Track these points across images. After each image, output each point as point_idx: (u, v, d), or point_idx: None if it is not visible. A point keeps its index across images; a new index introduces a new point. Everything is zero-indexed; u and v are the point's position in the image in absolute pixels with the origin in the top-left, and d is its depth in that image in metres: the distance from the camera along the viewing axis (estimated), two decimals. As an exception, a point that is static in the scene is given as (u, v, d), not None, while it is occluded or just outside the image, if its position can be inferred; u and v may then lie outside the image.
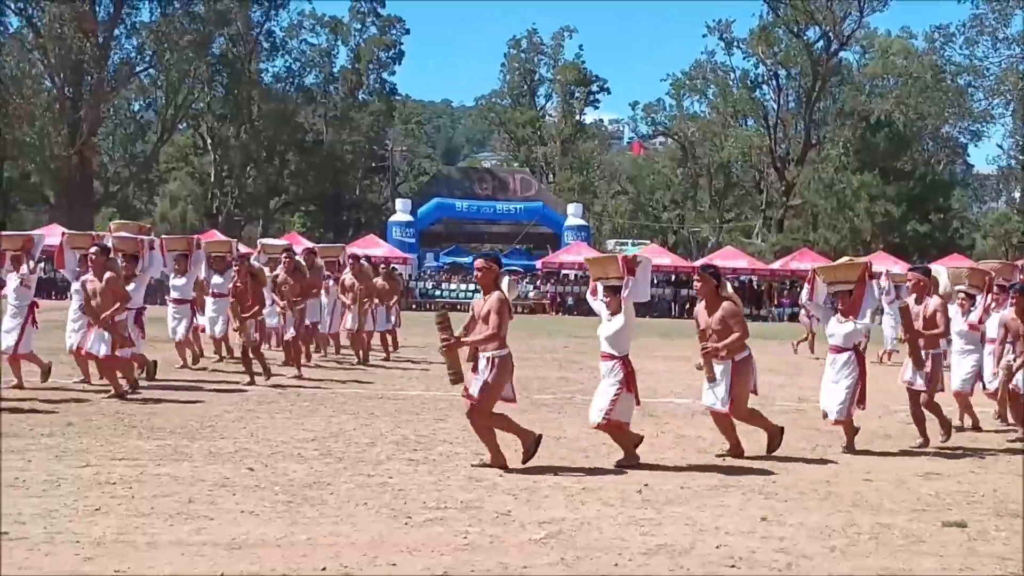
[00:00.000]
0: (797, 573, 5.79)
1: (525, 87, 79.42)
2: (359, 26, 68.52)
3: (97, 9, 52.77)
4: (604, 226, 76.72)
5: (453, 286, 43.38)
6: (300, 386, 13.61)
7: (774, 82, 64.87)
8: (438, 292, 43.17)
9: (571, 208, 51.96)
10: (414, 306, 40.89)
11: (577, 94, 77.18)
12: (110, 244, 13.00)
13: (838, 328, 9.77)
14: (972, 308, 11.65)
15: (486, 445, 8.53)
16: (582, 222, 51.87)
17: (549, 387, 14.26)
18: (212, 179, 62.29)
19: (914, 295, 10.47)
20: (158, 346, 15.88)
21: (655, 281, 43.80)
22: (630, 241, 64.63)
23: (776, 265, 44.40)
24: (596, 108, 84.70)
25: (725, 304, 9.05)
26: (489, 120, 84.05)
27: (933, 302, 10.34)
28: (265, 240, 21.14)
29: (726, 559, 6.00)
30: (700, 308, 9.27)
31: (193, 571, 5.45)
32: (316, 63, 67.13)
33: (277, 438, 9.51)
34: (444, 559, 5.83)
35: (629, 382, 8.71)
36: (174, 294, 15.31)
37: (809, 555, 6.15)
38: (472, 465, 8.51)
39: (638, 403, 8.91)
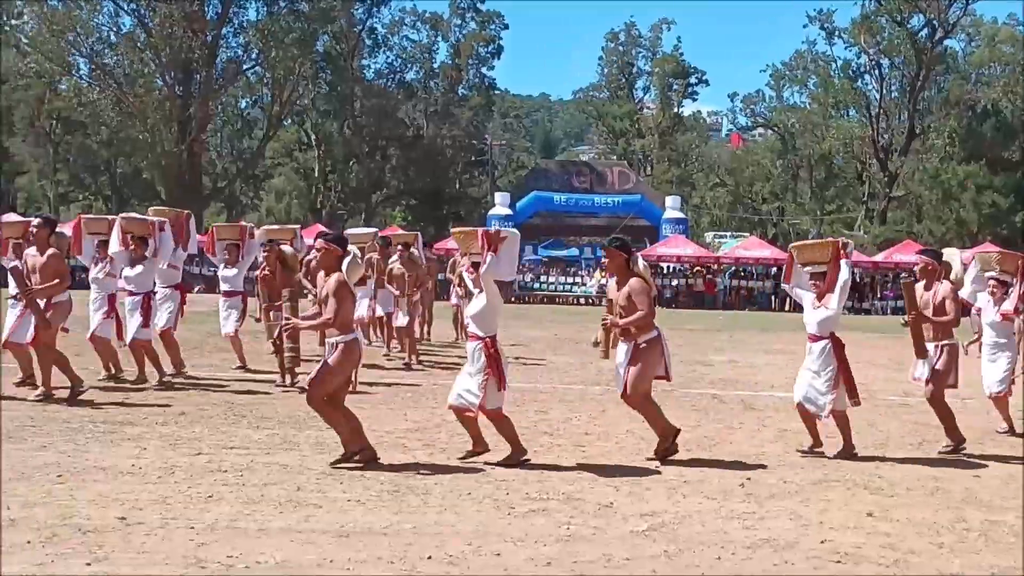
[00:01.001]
0: (905, 570, 5.70)
1: (623, 80, 79.05)
2: (459, 22, 68.93)
3: (206, 8, 54.12)
4: (703, 219, 76.00)
5: (552, 279, 43.45)
6: (399, 380, 13.79)
7: (876, 71, 63.38)
8: (537, 285, 43.29)
9: (669, 201, 51.57)
10: (513, 299, 41.06)
11: (675, 86, 76.53)
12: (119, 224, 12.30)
13: (811, 315, 8.97)
14: (1006, 296, 10.36)
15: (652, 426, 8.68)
16: (680, 215, 51.43)
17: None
18: (316, 174, 63.41)
19: (923, 280, 9.53)
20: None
21: (754, 274, 43.32)
22: (729, 233, 63.89)
23: (879, 257, 43.49)
24: (694, 100, 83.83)
25: (632, 280, 8.49)
26: (587, 113, 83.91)
27: (943, 288, 9.43)
28: (354, 231, 19.84)
29: (831, 554, 5.93)
30: (611, 284, 8.88)
31: (302, 558, 5.60)
32: (417, 59, 67.79)
33: (381, 428, 9.67)
34: (547, 550, 5.88)
35: (493, 365, 8.17)
36: (224, 286, 14.36)
37: (917, 551, 6.05)
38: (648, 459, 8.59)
39: (502, 387, 8.23)
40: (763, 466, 8.47)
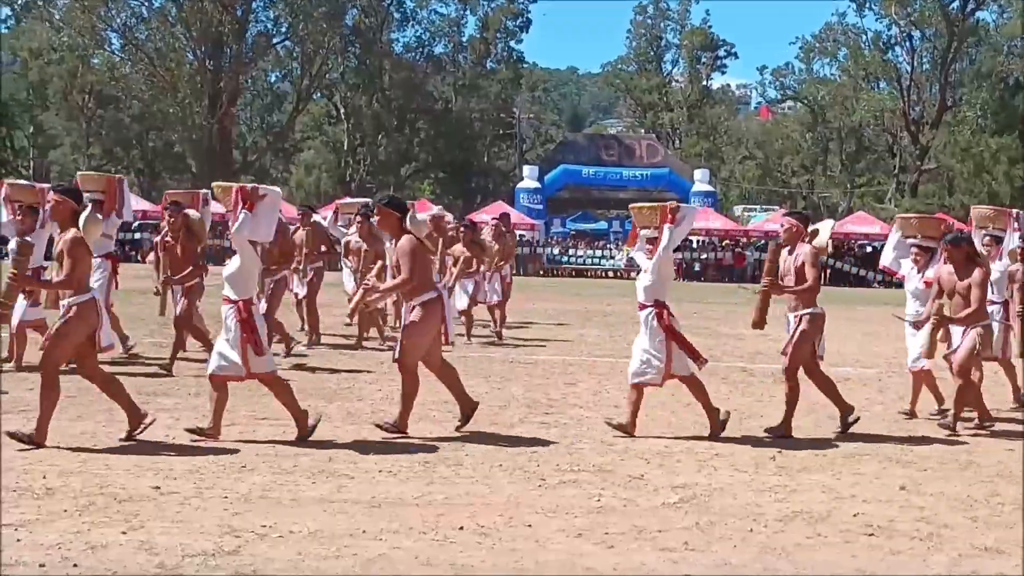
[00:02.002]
0: (939, 544, 5.67)
1: (651, 53, 78.46)
2: (487, -6, 68.63)
3: (236, -17, 54.24)
4: (731, 192, 75.53)
5: (580, 252, 43.40)
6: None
7: (907, 43, 62.60)
8: (565, 258, 43.26)
9: (698, 174, 51.35)
10: (542, 272, 41.07)
11: (704, 59, 76.00)
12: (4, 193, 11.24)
13: (639, 280, 8.58)
14: (929, 264, 9.64)
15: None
16: (709, 188, 51.20)
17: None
18: (345, 147, 63.48)
19: (788, 245, 8.86)
20: None
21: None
22: (758, 207, 63.53)
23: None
24: (723, 73, 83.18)
25: (402, 241, 8.11)
26: (615, 87, 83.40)
27: (804, 251, 8.64)
28: (344, 200, 18.40)
29: (864, 527, 5.91)
30: (389, 246, 8.73)
31: (335, 527, 5.64)
32: (445, 32, 67.58)
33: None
34: (578, 521, 5.90)
35: (248, 330, 7.74)
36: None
37: (951, 525, 6.02)
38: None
39: (261, 351, 7.82)
40: (794, 439, 8.44)
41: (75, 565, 4.92)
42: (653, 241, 8.51)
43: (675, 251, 9.27)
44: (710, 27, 75.78)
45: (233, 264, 7.92)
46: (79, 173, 12.03)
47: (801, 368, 8.70)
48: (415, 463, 7.21)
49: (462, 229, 15.27)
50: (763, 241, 43.44)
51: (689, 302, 25.08)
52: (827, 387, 8.85)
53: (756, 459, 7.66)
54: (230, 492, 6.30)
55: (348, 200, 17.79)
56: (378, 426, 8.15)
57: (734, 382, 11.78)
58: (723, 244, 43.43)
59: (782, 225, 9.23)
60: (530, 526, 5.78)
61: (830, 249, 9.51)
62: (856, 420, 8.84)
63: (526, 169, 52.21)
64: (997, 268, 9.96)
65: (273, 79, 64.75)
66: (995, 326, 9.65)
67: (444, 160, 65.47)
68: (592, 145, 56.74)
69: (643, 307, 8.48)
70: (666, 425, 8.89)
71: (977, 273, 8.66)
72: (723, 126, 78.65)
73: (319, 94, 64.68)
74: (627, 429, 8.34)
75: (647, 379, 8.38)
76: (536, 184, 49.22)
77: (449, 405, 9.24)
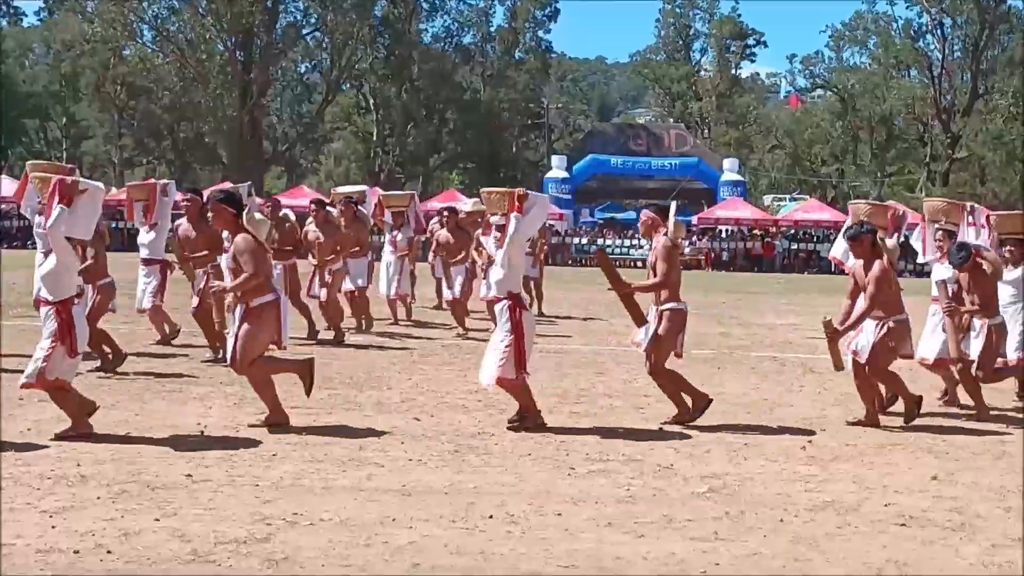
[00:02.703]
0: (972, 534, 5.63)
1: (680, 42, 78.10)
2: (515, -15, 68.50)
3: (266, -26, 54.42)
4: (761, 181, 75.07)
5: (609, 242, 43.32)
6: (459, 342, 13.85)
7: (939, 31, 62.03)
8: (593, 248, 43.17)
9: (727, 163, 51.09)
10: (570, 261, 41.01)
11: (733, 48, 75.51)
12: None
13: (491, 273, 8.30)
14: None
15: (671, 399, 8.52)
16: (738, 177, 50.92)
17: (708, 343, 14.12)
18: (374, 138, 63.59)
19: (647, 237, 8.61)
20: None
21: (813, 237, 42.68)
22: (788, 196, 63.13)
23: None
24: (752, 62, 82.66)
25: (237, 239, 7.78)
26: (644, 76, 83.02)
27: (658, 244, 8.34)
28: (341, 188, 17.88)
29: (896, 517, 5.88)
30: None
31: (365, 516, 5.67)
32: (474, 23, 67.47)
33: (442, 389, 9.74)
34: (608, 510, 5.90)
35: (63, 333, 7.20)
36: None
37: (984, 515, 5.97)
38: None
39: (73, 354, 7.28)
40: (825, 429, 8.39)
41: (108, 552, 4.98)
42: (502, 230, 8.11)
43: (704, 240, 9.19)
44: (739, 16, 75.39)
45: (48, 263, 7.35)
46: (29, 163, 11.25)
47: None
48: (445, 452, 7.23)
49: (445, 214, 14.68)
50: (792, 231, 43.21)
51: (718, 292, 25.00)
52: (674, 384, 8.48)
53: (786, 449, 7.63)
54: (261, 480, 6.34)
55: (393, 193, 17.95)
56: (253, 425, 7.89)
57: (764, 372, 11.74)
58: (752, 234, 43.18)
59: (642, 219, 8.80)
60: (559, 515, 5.78)
61: (683, 234, 8.83)
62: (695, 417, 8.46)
63: (554, 159, 52.14)
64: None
65: (303, 70, 64.97)
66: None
67: (473, 150, 65.47)
68: (621, 135, 56.60)
69: (497, 300, 8.17)
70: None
71: (876, 267, 8.31)
72: (752, 115, 78.13)
73: (348, 85, 64.77)
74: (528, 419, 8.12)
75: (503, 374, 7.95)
76: (565, 174, 49.13)
77: (479, 395, 9.26)
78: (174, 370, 10.47)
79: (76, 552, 4.96)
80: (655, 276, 8.30)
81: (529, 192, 8.31)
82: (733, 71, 76.27)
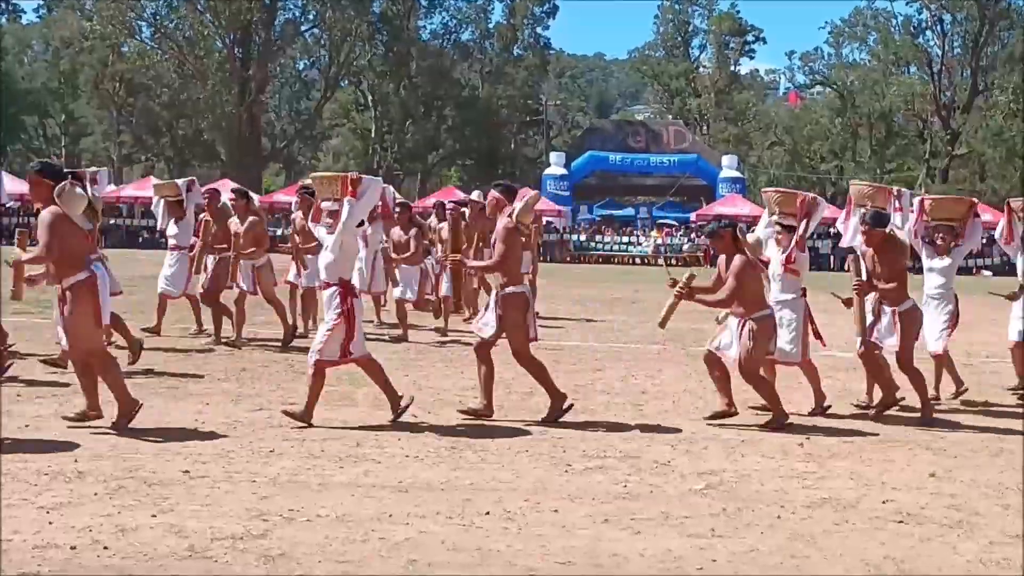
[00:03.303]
0: (970, 531, 5.62)
1: (679, 39, 78.10)
2: (513, -19, 68.46)
3: (264, -29, 54.40)
4: (760, 177, 74.98)
5: (607, 239, 43.32)
6: (457, 339, 13.83)
7: (938, 27, 62.05)
8: (592, 244, 43.20)
9: (726, 160, 51.09)
10: (568, 259, 41.02)
11: (732, 44, 75.50)
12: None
13: (320, 258, 8.17)
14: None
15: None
16: (737, 174, 50.92)
17: (706, 340, 14.10)
18: (373, 135, 63.58)
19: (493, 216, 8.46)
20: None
21: (814, 234, 42.60)
22: (786, 194, 62.97)
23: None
24: (751, 58, 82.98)
25: (42, 213, 7.47)
26: (642, 73, 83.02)
27: (499, 226, 8.23)
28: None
29: (894, 514, 5.87)
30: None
31: (362, 512, 5.66)
32: (472, 19, 67.48)
33: (439, 386, 9.73)
34: (605, 507, 5.89)
35: (346, 315, 7.80)
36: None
37: (982, 513, 5.96)
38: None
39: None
40: (822, 426, 8.39)
41: (105, 547, 4.97)
42: (334, 215, 8.02)
43: (703, 237, 9.20)
44: (738, 12, 75.40)
45: (331, 251, 7.95)
46: (154, 182, 12.85)
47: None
48: (442, 448, 7.22)
49: (397, 209, 13.88)
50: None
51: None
52: (539, 372, 8.39)
53: (784, 446, 7.62)
54: (258, 476, 6.33)
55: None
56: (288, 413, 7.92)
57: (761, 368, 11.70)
58: (751, 230, 43.17)
59: (491, 200, 8.61)
60: (556, 511, 5.77)
61: (529, 219, 8.41)
62: (568, 408, 8.36)
63: (553, 156, 52.13)
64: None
65: (301, 67, 65.00)
66: None
67: (471, 147, 65.46)
68: (619, 131, 56.62)
69: (327, 286, 8.05)
70: (692, 411, 8.85)
71: (736, 261, 8.25)
72: (751, 112, 78.07)
73: (347, 81, 64.79)
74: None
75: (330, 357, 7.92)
76: (563, 171, 49.13)
77: (476, 392, 9.23)
78: (172, 367, 10.46)
79: (73, 548, 4.95)
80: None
81: (363, 176, 8.35)
82: (732, 68, 76.29)
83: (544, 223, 31.21)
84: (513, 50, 68.55)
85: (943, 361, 9.67)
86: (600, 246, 43.15)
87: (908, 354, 8.70)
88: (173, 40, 54.58)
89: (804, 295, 8.95)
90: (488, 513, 5.70)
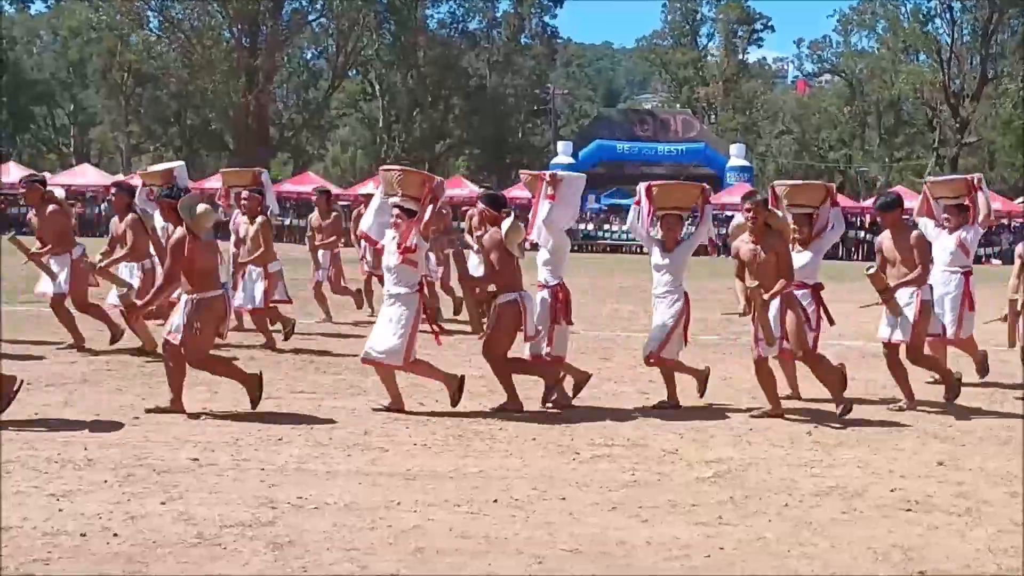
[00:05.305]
0: (978, 519, 5.62)
1: (687, 27, 77.83)
2: (521, -31, 68.26)
3: (271, -40, 54.31)
4: (768, 166, 74.89)
5: (615, 228, 43.27)
6: (463, 328, 13.81)
7: (948, 15, 61.57)
8: (600, 233, 43.18)
9: (734, 149, 50.94)
10: (576, 248, 40.96)
11: (740, 33, 75.24)
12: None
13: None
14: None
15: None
16: (745, 163, 50.78)
17: (713, 328, 14.10)
18: (380, 124, 63.52)
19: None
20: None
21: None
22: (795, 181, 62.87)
23: (951, 205, 42.56)
24: (759, 47, 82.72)
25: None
26: (650, 61, 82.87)
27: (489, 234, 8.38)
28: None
29: (902, 502, 5.87)
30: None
31: (370, 499, 5.68)
32: (479, 8, 67.27)
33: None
34: (612, 495, 5.90)
35: (560, 310, 8.30)
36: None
37: (990, 501, 5.96)
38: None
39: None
40: (831, 414, 8.37)
41: (115, 535, 4.99)
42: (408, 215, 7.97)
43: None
44: (746, 0, 75.04)
45: (544, 252, 8.35)
46: (222, 170, 12.39)
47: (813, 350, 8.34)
48: (449, 436, 7.24)
49: (315, 196, 13.94)
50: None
51: (724, 277, 24.97)
52: (505, 373, 8.31)
53: (791, 434, 7.62)
54: (267, 464, 6.35)
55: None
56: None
57: (769, 359, 11.68)
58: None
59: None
60: (564, 499, 5.78)
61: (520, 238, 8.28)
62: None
63: (560, 145, 52.04)
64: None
65: (309, 56, 64.91)
66: None
67: (479, 136, 65.37)
68: (627, 120, 56.46)
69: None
70: (700, 399, 8.85)
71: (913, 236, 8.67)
72: (759, 100, 77.89)
73: (354, 71, 64.69)
74: None
75: None
76: (570, 160, 49.02)
77: (485, 380, 9.26)
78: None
79: (83, 535, 4.98)
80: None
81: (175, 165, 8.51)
82: (740, 56, 75.99)
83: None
84: (520, 39, 68.38)
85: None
86: (608, 235, 43.10)
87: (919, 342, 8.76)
88: (180, 30, 54.54)
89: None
90: (496, 501, 5.71)
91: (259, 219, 11.51)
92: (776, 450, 7.10)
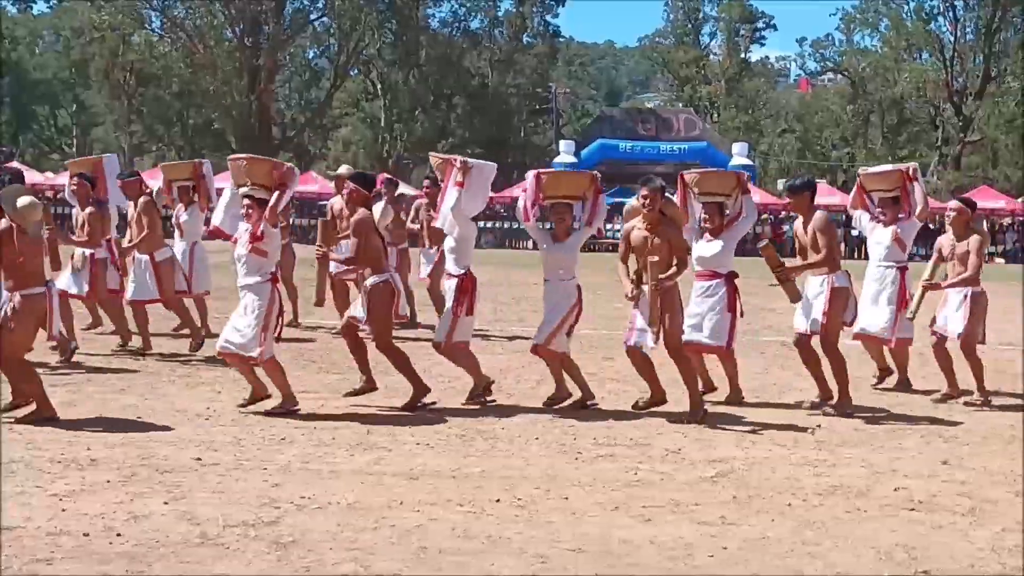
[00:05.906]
0: (981, 519, 5.61)
1: (689, 26, 77.80)
2: (523, -31, 68.23)
3: (272, -40, 54.32)
4: (770, 165, 74.83)
5: (617, 227, 43.20)
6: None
7: (951, 13, 61.52)
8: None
9: (736, 147, 50.89)
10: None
11: (742, 31, 75.25)
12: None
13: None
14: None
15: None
16: (748, 161, 50.66)
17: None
18: (382, 124, 63.50)
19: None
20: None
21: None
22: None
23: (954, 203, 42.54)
24: (762, 45, 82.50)
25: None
26: (652, 60, 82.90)
27: (355, 219, 8.25)
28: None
29: (905, 502, 5.87)
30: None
31: (372, 499, 5.68)
32: (481, 7, 67.23)
33: (449, 374, 9.71)
34: (615, 494, 5.90)
35: (464, 298, 8.31)
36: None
37: (993, 500, 5.96)
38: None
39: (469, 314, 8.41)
40: (833, 413, 8.37)
41: (118, 534, 5.00)
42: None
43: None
44: (749, -1, 75.10)
45: (449, 240, 8.38)
46: (162, 164, 12.49)
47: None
48: (452, 436, 7.24)
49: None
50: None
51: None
52: (402, 362, 8.35)
53: (795, 433, 7.62)
54: (270, 464, 6.35)
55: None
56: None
57: (772, 356, 11.70)
58: (762, 218, 43.06)
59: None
60: (567, 499, 5.78)
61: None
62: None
63: (563, 144, 51.99)
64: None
65: (311, 55, 64.91)
66: None
67: (481, 135, 65.31)
68: (629, 119, 56.40)
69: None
70: (704, 399, 8.82)
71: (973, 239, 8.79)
72: (762, 99, 77.87)
73: (356, 70, 64.70)
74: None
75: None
76: (573, 159, 48.97)
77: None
78: (184, 355, 10.48)
79: (86, 534, 4.98)
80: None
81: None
82: (742, 55, 76.02)
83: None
84: (523, 38, 68.35)
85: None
86: (610, 233, 43.02)
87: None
88: (183, 30, 54.57)
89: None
90: (499, 501, 5.71)
91: (141, 199, 10.84)
92: (780, 449, 7.10)
